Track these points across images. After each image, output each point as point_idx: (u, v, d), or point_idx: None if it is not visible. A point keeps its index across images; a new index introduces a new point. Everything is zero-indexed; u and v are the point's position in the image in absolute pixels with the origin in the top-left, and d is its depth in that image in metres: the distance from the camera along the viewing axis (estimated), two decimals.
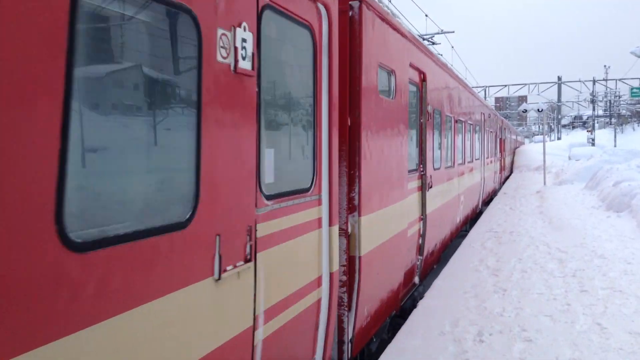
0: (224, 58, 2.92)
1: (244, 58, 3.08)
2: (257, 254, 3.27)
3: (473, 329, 6.46)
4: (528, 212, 17.02)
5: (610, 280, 8.49)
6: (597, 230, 12.97)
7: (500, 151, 27.05)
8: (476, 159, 16.05)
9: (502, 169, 28.31)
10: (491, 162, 21.82)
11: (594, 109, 73.96)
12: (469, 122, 14.11)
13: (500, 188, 26.61)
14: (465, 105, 13.45)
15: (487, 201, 20.93)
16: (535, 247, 11.20)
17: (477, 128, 16.48)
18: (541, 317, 6.87)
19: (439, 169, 9.47)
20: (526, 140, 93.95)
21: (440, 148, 9.81)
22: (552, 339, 6.13)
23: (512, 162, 41.82)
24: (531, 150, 48.30)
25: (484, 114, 18.48)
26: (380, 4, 6.01)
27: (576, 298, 7.65)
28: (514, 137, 47.02)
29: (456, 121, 11.73)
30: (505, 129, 31.21)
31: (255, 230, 3.25)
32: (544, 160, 27.67)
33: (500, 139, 26.95)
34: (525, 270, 9.24)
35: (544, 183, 25.97)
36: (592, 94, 69.97)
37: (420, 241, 8.14)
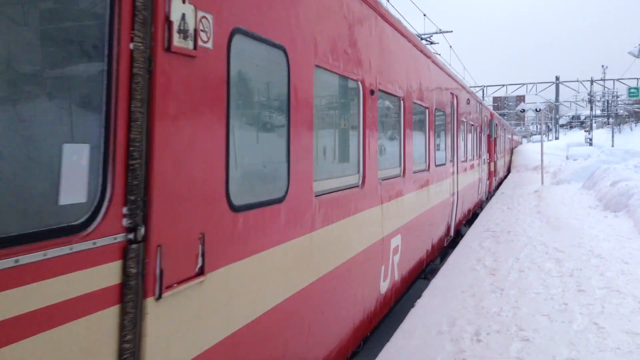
0: None
1: None
2: None
3: (470, 329, 6.46)
4: (526, 211, 17.03)
5: (607, 279, 8.50)
6: (594, 230, 12.98)
7: (490, 152, 21.86)
8: (440, 165, 10.47)
9: (491, 174, 22.93)
10: (473, 167, 16.26)
11: (591, 109, 74.07)
12: (419, 102, 8.57)
13: (491, 197, 22.45)
14: (407, 67, 7.74)
15: (469, 220, 16.08)
16: (532, 247, 11.20)
17: (443, 117, 11.00)
18: (538, 317, 6.87)
19: (282, 200, 3.86)
20: (524, 140, 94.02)
21: (298, 147, 4.15)
22: (549, 339, 6.13)
23: (510, 162, 41.82)
24: (529, 150, 48.35)
25: (456, 97, 12.60)
26: None
27: (573, 298, 7.65)
28: (509, 135, 41.18)
29: (370, 91, 5.88)
30: (497, 125, 25.99)
31: None
32: (542, 160, 27.68)
33: (489, 136, 21.43)
34: (522, 270, 9.24)
35: (542, 183, 26.00)
36: (590, 94, 70.07)
37: None
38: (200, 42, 2.85)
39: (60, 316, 2.11)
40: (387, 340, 6.27)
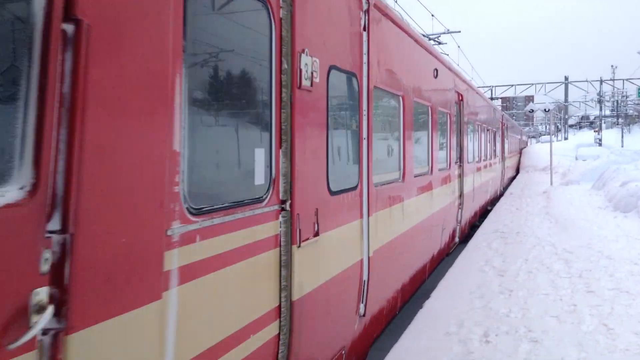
0: None
1: None
2: None
3: (479, 330, 6.45)
4: (534, 212, 16.96)
5: (616, 281, 8.46)
6: (603, 230, 12.91)
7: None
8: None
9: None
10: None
11: (601, 109, 73.58)
12: None
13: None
14: None
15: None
16: (541, 248, 11.16)
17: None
18: (547, 318, 6.86)
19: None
20: (533, 141, 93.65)
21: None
22: (558, 340, 6.12)
23: (519, 163, 41.73)
24: (538, 151, 48.15)
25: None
26: None
27: (582, 299, 7.62)
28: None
29: None
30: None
31: None
32: (551, 161, 27.56)
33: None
34: (531, 271, 9.21)
35: (551, 183, 25.88)
36: (599, 94, 69.64)
37: None
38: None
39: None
40: (395, 341, 6.28)
